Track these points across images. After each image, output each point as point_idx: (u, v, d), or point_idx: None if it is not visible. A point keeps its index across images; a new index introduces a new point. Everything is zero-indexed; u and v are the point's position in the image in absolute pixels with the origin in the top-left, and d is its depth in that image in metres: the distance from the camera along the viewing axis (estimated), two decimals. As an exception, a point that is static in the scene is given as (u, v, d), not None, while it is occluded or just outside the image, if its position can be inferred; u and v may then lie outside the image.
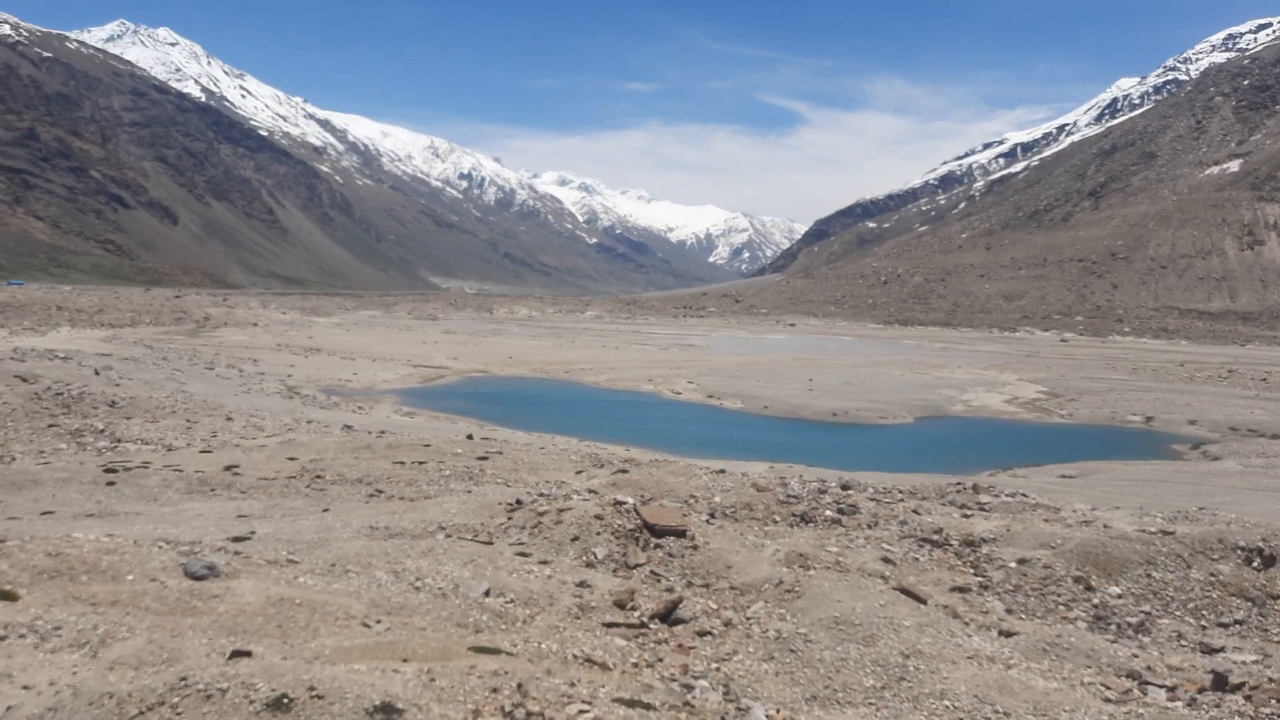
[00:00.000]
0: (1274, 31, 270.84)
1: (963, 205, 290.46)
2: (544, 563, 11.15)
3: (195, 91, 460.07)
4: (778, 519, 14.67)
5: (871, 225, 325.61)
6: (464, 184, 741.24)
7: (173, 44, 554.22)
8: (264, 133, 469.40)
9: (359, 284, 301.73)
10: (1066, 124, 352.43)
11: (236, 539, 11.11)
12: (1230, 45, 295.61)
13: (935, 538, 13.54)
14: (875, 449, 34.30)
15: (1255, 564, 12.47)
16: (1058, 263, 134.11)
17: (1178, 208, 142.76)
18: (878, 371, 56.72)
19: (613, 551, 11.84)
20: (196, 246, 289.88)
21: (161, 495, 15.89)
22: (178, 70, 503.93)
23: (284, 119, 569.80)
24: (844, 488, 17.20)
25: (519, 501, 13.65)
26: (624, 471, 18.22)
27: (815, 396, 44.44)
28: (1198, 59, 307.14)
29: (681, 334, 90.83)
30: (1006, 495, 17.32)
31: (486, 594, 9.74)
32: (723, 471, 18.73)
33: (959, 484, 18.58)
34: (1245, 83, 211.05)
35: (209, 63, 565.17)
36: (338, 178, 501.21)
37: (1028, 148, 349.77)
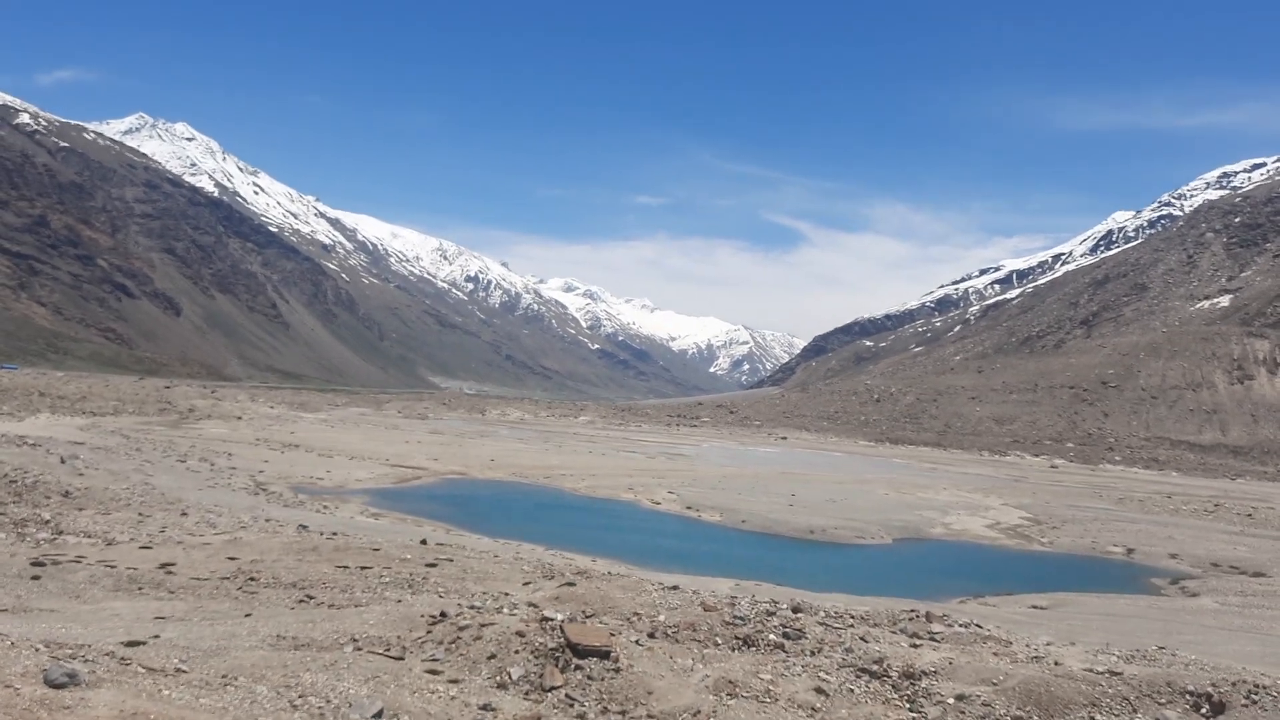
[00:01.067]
0: (1267, 171, 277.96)
1: (957, 328, 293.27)
2: (453, 681, 10.65)
3: (209, 186, 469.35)
4: (719, 641, 14.11)
5: (868, 343, 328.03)
6: (470, 286, 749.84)
7: (189, 139, 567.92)
8: (274, 229, 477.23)
9: (358, 381, 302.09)
10: (1062, 253, 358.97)
11: (131, 643, 10.64)
12: (1224, 183, 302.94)
13: (875, 668, 13.00)
14: (848, 569, 33.62)
15: (1204, 710, 11.94)
16: (1049, 389, 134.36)
17: (1168, 339, 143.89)
18: (862, 489, 56.18)
19: (529, 672, 11.31)
20: (197, 338, 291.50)
21: (85, 592, 15.39)
22: (193, 165, 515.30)
23: (295, 216, 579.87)
24: (795, 610, 16.66)
25: (443, 614, 13.15)
26: (571, 584, 17.72)
27: (795, 512, 43.86)
28: (1192, 195, 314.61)
29: (672, 443, 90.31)
30: (960, 625, 16.79)
31: (378, 715, 9.24)
32: (675, 588, 18.24)
33: (913, 611, 18.05)
34: (1237, 220, 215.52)
35: (224, 158, 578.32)
36: (344, 275, 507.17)
37: (1023, 275, 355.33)
